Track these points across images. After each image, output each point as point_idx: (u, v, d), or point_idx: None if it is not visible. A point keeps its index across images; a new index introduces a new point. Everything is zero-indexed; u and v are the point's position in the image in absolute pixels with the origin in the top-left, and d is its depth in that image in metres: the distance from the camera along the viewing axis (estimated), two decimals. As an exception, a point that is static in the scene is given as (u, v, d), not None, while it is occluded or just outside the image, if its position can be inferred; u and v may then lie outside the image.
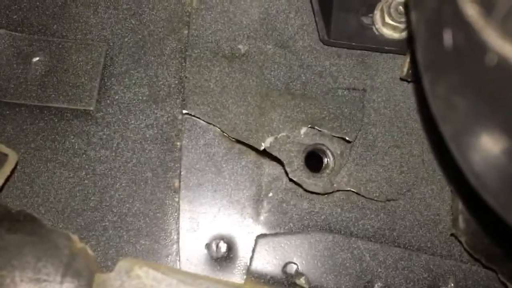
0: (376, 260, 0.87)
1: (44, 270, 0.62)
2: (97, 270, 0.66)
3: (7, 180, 0.75)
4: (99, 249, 0.84)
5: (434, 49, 0.38)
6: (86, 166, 0.88)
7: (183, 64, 0.92)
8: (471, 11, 0.31)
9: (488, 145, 0.40)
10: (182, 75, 0.92)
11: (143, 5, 0.94)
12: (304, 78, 0.93)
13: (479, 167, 0.43)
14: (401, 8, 0.88)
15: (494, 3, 0.29)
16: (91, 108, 0.89)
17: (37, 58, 0.90)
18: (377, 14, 0.91)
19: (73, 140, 0.88)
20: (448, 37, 0.34)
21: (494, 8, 0.28)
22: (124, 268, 0.66)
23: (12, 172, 0.75)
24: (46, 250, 0.64)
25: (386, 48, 0.92)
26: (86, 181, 0.87)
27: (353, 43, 0.91)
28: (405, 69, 0.87)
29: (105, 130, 0.89)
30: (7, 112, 0.88)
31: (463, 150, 0.43)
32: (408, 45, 0.89)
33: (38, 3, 0.93)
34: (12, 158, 0.73)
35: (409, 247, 0.89)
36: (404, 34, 0.90)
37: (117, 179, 0.88)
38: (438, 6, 0.34)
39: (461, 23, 0.31)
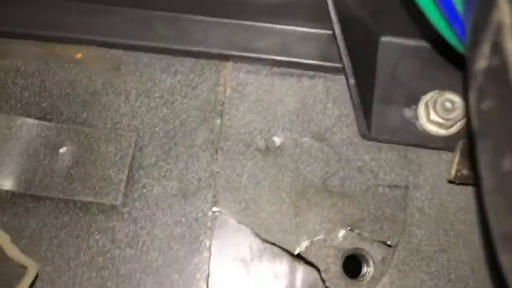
0: None
1: None
2: None
3: (26, 294, 0.70)
4: None
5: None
6: (110, 266, 0.83)
7: (215, 157, 0.87)
8: None
9: None
10: (213, 168, 0.87)
11: (176, 93, 0.91)
12: (342, 173, 0.87)
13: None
14: (447, 104, 0.82)
15: None
16: (117, 203, 0.85)
17: (65, 149, 0.87)
18: (421, 108, 0.85)
19: (97, 237, 0.84)
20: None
21: None
22: None
23: (32, 284, 0.71)
24: None
25: (430, 144, 0.86)
26: (108, 283, 0.82)
27: (395, 139, 0.86)
28: (453, 171, 0.80)
29: (131, 226, 0.85)
30: (31, 205, 0.85)
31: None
32: (456, 143, 0.82)
33: (68, 90, 0.90)
34: (32, 270, 0.69)
35: None
36: (451, 131, 0.84)
37: (142, 280, 0.82)
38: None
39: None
